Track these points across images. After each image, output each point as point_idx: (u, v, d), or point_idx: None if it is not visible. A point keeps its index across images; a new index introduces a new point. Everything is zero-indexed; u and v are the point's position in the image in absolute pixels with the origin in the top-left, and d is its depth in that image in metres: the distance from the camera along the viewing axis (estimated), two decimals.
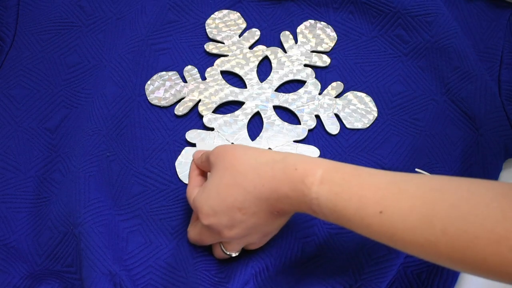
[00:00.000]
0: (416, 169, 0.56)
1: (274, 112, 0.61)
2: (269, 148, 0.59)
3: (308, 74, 0.63)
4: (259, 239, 0.51)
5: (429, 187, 0.41)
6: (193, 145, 0.59)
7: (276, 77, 0.63)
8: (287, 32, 0.65)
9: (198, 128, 0.60)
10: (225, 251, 0.51)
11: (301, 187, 0.44)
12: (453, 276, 0.53)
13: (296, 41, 0.65)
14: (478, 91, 0.60)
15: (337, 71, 0.64)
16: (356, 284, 0.51)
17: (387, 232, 0.41)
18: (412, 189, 0.41)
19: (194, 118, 0.61)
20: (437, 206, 0.39)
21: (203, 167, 0.53)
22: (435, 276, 0.53)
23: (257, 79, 0.63)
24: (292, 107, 0.61)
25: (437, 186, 0.41)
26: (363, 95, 0.62)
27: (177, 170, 0.58)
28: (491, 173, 0.58)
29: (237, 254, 0.52)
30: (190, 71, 0.63)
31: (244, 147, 0.49)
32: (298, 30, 0.66)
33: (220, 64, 0.64)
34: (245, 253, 0.52)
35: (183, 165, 0.58)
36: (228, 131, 0.60)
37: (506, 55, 0.63)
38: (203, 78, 0.63)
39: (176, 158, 0.59)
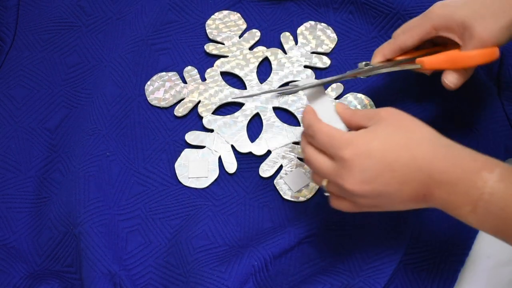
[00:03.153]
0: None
1: (273, 114, 0.61)
2: (269, 150, 0.59)
3: (308, 76, 0.63)
4: (368, 206, 0.47)
5: None
6: (193, 146, 0.59)
7: (276, 78, 0.63)
8: (287, 33, 0.65)
9: (198, 129, 0.60)
10: (324, 185, 0.48)
11: (475, 178, 0.43)
12: (453, 275, 0.53)
13: (296, 42, 0.65)
14: (478, 91, 0.60)
15: (337, 72, 0.64)
16: (354, 281, 0.51)
17: None
18: None
19: (193, 119, 0.61)
20: None
21: (353, 119, 0.49)
22: (435, 275, 0.53)
23: (257, 80, 0.63)
24: (291, 109, 0.61)
25: None
26: (362, 96, 0.62)
27: (177, 172, 0.58)
28: None
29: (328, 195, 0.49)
30: (190, 71, 0.63)
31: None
32: (298, 31, 0.66)
33: (220, 65, 0.64)
34: (244, 252, 0.52)
35: (183, 167, 0.58)
36: (227, 133, 0.60)
37: (506, 55, 0.63)
38: (203, 79, 0.63)
39: (175, 158, 0.59)
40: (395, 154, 0.45)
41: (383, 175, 0.45)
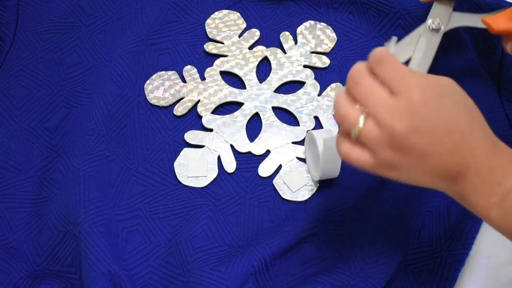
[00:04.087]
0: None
1: (273, 113, 0.61)
2: (268, 150, 0.59)
3: (307, 75, 0.63)
4: (389, 164, 0.42)
5: None
6: (192, 146, 0.59)
7: (276, 78, 0.63)
8: (287, 33, 0.65)
9: (197, 129, 0.60)
10: (359, 124, 0.41)
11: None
12: (453, 275, 0.53)
13: (295, 42, 0.65)
14: (478, 91, 0.60)
15: (337, 71, 0.64)
16: (354, 281, 0.51)
17: None
18: None
19: (193, 119, 0.61)
20: None
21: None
22: (435, 275, 0.53)
23: (256, 79, 0.63)
24: (291, 108, 0.61)
25: None
26: None
27: (176, 171, 0.58)
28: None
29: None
30: (190, 71, 0.63)
31: None
32: (298, 30, 0.66)
33: (219, 65, 0.64)
34: (244, 252, 0.52)
35: (182, 166, 0.58)
36: (227, 132, 0.60)
37: (506, 55, 0.63)
38: (203, 78, 0.63)
39: (176, 158, 0.59)
40: (459, 120, 0.41)
41: (437, 133, 0.41)
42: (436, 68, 0.63)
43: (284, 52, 0.64)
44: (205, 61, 0.64)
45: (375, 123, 0.41)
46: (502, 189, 0.41)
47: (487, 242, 0.55)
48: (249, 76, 0.63)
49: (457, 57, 0.62)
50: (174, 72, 0.63)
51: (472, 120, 0.42)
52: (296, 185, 0.57)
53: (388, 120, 0.40)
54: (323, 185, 0.57)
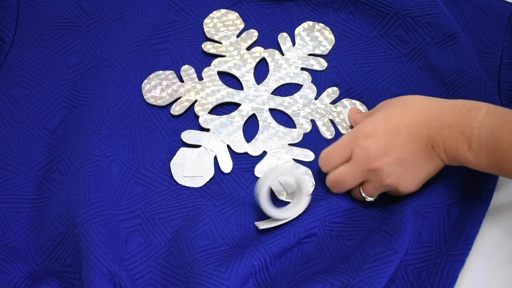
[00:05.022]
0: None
1: (270, 115, 0.61)
2: (264, 151, 0.59)
3: (304, 79, 0.63)
4: (401, 179, 0.53)
5: None
6: (189, 145, 0.59)
7: (273, 80, 0.63)
8: (285, 34, 0.65)
9: (196, 129, 0.60)
10: (362, 193, 0.55)
11: (465, 118, 0.49)
12: (454, 275, 0.53)
13: (293, 44, 0.65)
14: (478, 92, 0.60)
15: (336, 72, 0.64)
16: (355, 280, 0.51)
17: None
18: None
19: (193, 119, 0.61)
20: None
21: (359, 119, 0.58)
22: (435, 275, 0.52)
23: (254, 81, 0.63)
24: (287, 111, 0.61)
25: None
26: (357, 103, 0.62)
27: (172, 171, 0.58)
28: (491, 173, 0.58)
29: (372, 199, 0.55)
30: (187, 70, 0.63)
31: None
32: (296, 31, 0.65)
33: (217, 65, 0.64)
34: (244, 252, 0.52)
35: (178, 165, 0.58)
36: (223, 132, 0.60)
37: (506, 55, 0.63)
38: (200, 78, 0.63)
39: None
40: (396, 119, 0.52)
41: (394, 141, 0.51)
42: (436, 69, 0.63)
43: (282, 53, 0.64)
44: (205, 61, 0.64)
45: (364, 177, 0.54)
46: (465, 136, 0.49)
47: (487, 242, 0.55)
48: (247, 77, 0.63)
49: (457, 58, 0.62)
50: (171, 71, 0.63)
51: (407, 106, 0.52)
52: (291, 186, 0.57)
53: (366, 169, 0.52)
54: (323, 185, 0.57)
